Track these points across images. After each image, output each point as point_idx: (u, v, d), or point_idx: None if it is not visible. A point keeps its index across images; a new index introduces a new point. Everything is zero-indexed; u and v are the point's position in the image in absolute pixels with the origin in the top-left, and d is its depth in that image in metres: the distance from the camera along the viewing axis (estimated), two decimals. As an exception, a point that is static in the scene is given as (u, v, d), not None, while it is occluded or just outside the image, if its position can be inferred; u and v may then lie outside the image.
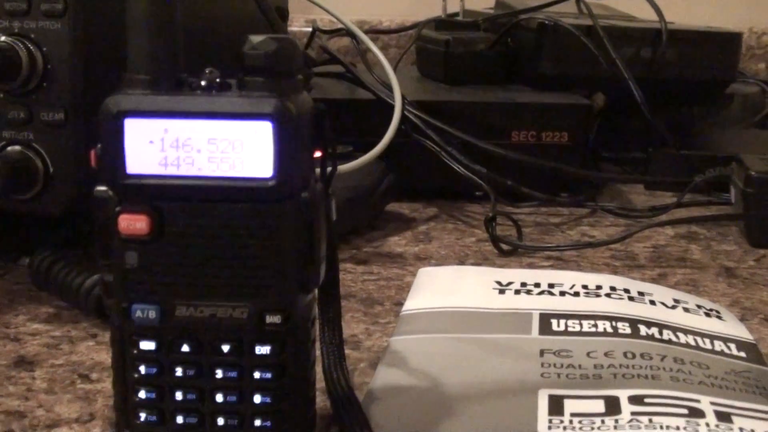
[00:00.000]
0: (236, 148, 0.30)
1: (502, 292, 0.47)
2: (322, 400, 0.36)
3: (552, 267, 0.57)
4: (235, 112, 0.30)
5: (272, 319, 0.31)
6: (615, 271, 0.57)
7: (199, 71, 0.31)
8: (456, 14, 0.89)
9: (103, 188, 0.31)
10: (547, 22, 0.79)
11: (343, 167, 0.59)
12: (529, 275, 0.50)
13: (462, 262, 0.58)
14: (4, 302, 0.48)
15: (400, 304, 0.48)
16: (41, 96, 0.46)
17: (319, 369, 0.35)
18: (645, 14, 0.87)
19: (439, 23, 0.87)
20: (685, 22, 0.90)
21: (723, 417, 0.33)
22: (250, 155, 0.30)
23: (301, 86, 0.32)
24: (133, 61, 0.31)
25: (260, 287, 0.31)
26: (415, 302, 0.47)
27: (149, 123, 0.30)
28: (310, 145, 0.32)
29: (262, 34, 0.31)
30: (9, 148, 0.47)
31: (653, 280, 0.55)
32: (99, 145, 0.31)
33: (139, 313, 0.31)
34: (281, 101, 0.30)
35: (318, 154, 0.32)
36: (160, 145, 0.30)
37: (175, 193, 0.31)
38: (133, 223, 0.31)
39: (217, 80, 0.31)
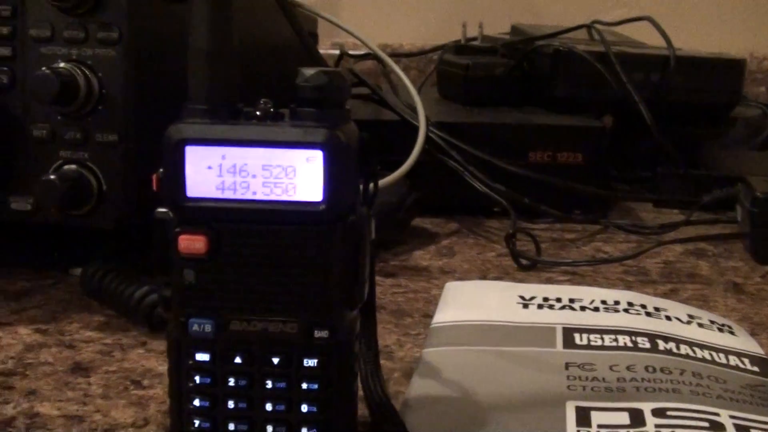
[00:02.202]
0: (289, 174, 0.31)
1: (525, 306, 0.48)
2: (360, 408, 0.36)
3: (569, 281, 0.58)
4: (289, 141, 0.31)
5: (320, 333, 0.32)
6: (629, 286, 0.57)
7: (255, 101, 0.32)
8: (475, 39, 0.89)
9: (164, 210, 0.31)
10: (562, 48, 0.79)
11: (371, 185, 0.60)
12: (551, 290, 0.50)
13: (484, 276, 0.58)
14: (58, 310, 0.49)
15: (428, 315, 0.49)
16: (96, 118, 0.47)
17: (356, 379, 0.35)
18: (654, 41, 0.88)
19: (459, 48, 0.88)
20: (690, 47, 0.90)
21: (742, 430, 0.33)
22: (302, 181, 0.31)
23: (349, 116, 0.32)
24: (193, 92, 0.31)
25: (309, 304, 0.31)
26: (444, 315, 0.47)
27: (208, 150, 0.31)
28: (356, 171, 0.32)
29: (313, 68, 0.31)
30: (66, 167, 0.47)
31: (665, 295, 0.55)
32: (161, 170, 0.31)
33: (195, 327, 0.32)
34: (331, 131, 0.30)
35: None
36: (218, 171, 0.31)
37: (231, 216, 0.31)
38: (192, 243, 0.31)
39: (272, 110, 0.31)
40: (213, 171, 0.31)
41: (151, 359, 0.43)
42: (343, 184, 0.31)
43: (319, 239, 0.31)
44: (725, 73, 0.84)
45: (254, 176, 0.31)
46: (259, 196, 0.31)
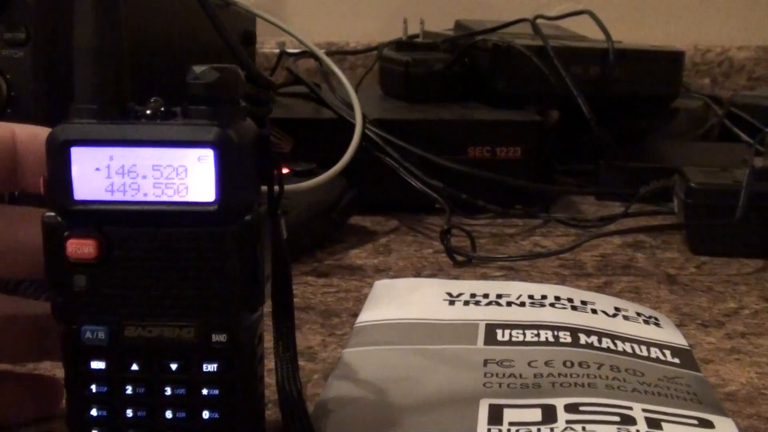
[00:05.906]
0: (180, 174, 0.30)
1: (452, 303, 0.47)
2: (275, 413, 0.35)
3: (504, 277, 0.57)
4: (179, 140, 0.29)
5: (218, 337, 0.31)
6: (564, 280, 0.56)
7: (145, 100, 0.30)
8: (416, 36, 0.89)
9: (51, 214, 0.30)
10: (500, 43, 0.78)
11: (305, 183, 0.59)
12: (479, 286, 0.50)
13: (419, 274, 0.58)
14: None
15: (357, 315, 0.48)
16: (5, 122, 0.45)
17: (273, 381, 0.34)
18: (596, 34, 0.87)
19: (400, 44, 0.87)
20: (633, 41, 0.90)
21: (653, 423, 0.33)
22: (193, 181, 0.30)
23: (244, 113, 0.31)
24: (79, 91, 0.30)
25: (206, 307, 0.30)
26: (369, 314, 0.46)
27: (95, 151, 0.30)
28: (253, 169, 0.31)
29: (205, 64, 0.30)
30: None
31: (599, 288, 0.54)
32: (47, 173, 0.30)
33: (88, 334, 0.31)
34: (222, 129, 0.29)
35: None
36: (107, 172, 0.30)
37: (121, 218, 0.30)
38: (81, 248, 0.30)
39: (162, 109, 0.30)
40: (101, 173, 0.30)
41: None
42: (237, 183, 0.30)
43: (213, 241, 0.30)
44: (665, 64, 0.84)
45: (144, 177, 0.30)
46: (150, 198, 0.30)
